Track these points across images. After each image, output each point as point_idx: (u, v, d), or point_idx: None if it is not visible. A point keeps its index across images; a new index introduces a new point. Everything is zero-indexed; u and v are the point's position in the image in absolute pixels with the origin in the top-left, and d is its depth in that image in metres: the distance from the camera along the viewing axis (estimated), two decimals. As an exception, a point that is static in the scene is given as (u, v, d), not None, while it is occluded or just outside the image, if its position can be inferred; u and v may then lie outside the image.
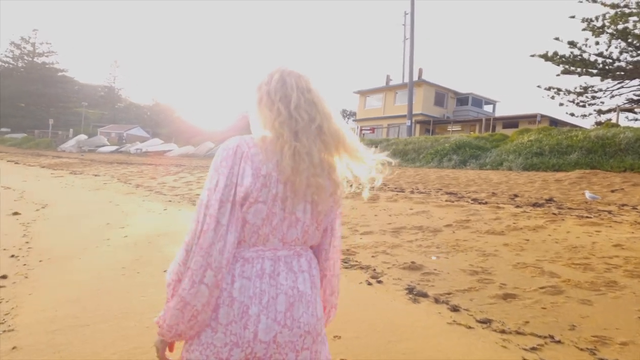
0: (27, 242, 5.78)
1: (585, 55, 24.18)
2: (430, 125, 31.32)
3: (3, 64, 66.79)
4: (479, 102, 34.24)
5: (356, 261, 4.65)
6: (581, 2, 23.56)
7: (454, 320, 3.03)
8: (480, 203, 7.97)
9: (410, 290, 3.65)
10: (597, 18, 22.27)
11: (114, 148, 43.27)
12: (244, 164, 1.06)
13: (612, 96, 25.53)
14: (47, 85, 65.67)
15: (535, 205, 7.62)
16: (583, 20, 22.65)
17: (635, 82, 24.23)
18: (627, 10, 22.41)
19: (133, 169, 20.84)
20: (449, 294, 3.57)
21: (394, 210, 7.81)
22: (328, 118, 1.15)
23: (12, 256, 5.02)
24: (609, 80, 25.40)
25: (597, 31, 22.90)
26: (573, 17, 22.67)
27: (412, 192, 9.97)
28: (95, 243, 5.83)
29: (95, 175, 18.19)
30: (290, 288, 1.11)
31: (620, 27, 22.04)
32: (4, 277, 4.21)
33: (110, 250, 5.50)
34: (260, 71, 1.20)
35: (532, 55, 25.93)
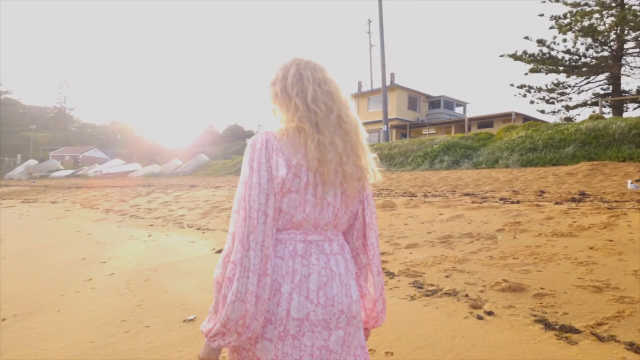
0: (-20, 293, 4.40)
1: (553, 53, 24.63)
2: (406, 129, 30.92)
3: (-61, 88, 61.44)
4: (450, 104, 34.33)
5: (432, 285, 3.64)
6: (544, 2, 24.10)
7: (661, 371, 2.08)
8: (512, 202, 7.19)
9: (545, 323, 2.68)
10: (564, 15, 22.68)
11: (69, 172, 40.30)
12: (276, 157, 1.07)
13: (580, 92, 26.07)
14: (-11, 110, 61.02)
15: (574, 200, 6.92)
16: (551, 18, 23.02)
17: (601, 77, 24.84)
18: (587, 9, 23.05)
19: (96, 193, 18.95)
20: (599, 324, 2.63)
21: (421, 217, 6.88)
22: (346, 106, 1.16)
23: (-38, 315, 3.68)
24: (574, 76, 26.00)
25: (564, 28, 23.34)
26: (542, 15, 23.05)
27: (425, 196, 9.11)
28: (74, 286, 4.53)
29: (53, 202, 16.27)
30: (323, 268, 1.10)
31: (585, 23, 22.53)
32: (-48, 352, 2.91)
33: (97, 295, 4.22)
34: (273, 65, 1.18)
35: (502, 55, 26.22)
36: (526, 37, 24.17)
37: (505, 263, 4.08)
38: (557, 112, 27.51)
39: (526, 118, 26.47)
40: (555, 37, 24.04)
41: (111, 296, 4.15)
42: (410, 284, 3.74)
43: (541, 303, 3.04)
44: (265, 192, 1.05)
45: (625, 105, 24.49)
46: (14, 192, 24.06)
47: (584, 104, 26.63)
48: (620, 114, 22.34)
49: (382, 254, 4.92)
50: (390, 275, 4.06)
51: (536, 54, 24.55)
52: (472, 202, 7.55)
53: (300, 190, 1.08)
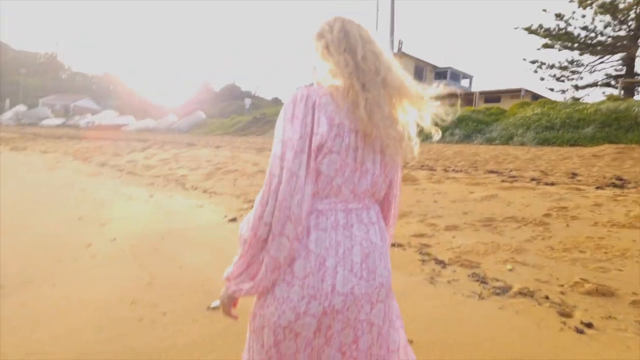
0: (-40, 254, 3.81)
1: (570, 29, 23.65)
2: (409, 99, 29.90)
3: None
4: (457, 76, 33.34)
5: (497, 280, 3.12)
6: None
7: None
8: (547, 184, 6.68)
9: (669, 345, 2.18)
10: (587, -11, 21.58)
11: (60, 121, 38.94)
12: (317, 114, 1.01)
13: (592, 71, 25.32)
14: (-24, 51, 58.24)
15: (615, 186, 6.42)
16: (574, -9, 21.89)
17: (616, 57, 24.03)
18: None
19: (89, 145, 18.13)
20: None
21: (450, 194, 6.35)
22: (389, 68, 1.08)
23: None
24: (587, 55, 25.16)
25: (585, 3, 22.28)
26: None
27: (446, 171, 8.57)
28: (72, 252, 3.94)
29: (44, 152, 15.47)
30: (364, 239, 1.08)
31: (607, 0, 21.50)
32: None
33: (99, 265, 3.65)
34: (316, 20, 1.14)
35: (516, 28, 25.68)
36: (544, 10, 23.19)
37: (573, 257, 3.57)
38: (566, 91, 26.87)
39: (535, 95, 25.74)
40: (574, 12, 23.10)
41: (115, 268, 3.58)
42: (469, 276, 3.22)
43: (647, 315, 2.54)
44: (296, 150, 0.98)
45: (636, 88, 23.84)
46: (1, 138, 23.05)
47: (594, 85, 25.96)
48: (632, 96, 21.73)
49: (421, 235, 4.40)
50: (441, 263, 3.54)
51: (552, 28, 23.60)
52: (502, 181, 7.03)
53: (341, 152, 1.02)
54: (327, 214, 1.05)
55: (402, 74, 1.11)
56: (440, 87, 1.13)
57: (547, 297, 2.80)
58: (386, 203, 1.23)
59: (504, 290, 2.93)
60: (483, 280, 3.12)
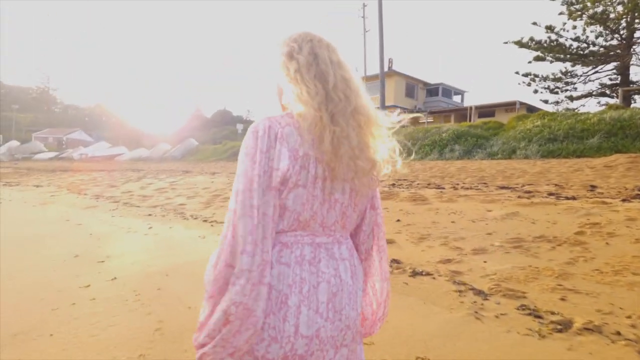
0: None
1: (561, 40, 23.85)
2: (404, 117, 29.89)
3: None
4: (448, 92, 33.46)
5: (553, 313, 2.75)
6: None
7: None
8: (568, 199, 6.36)
9: None
10: (577, 0, 21.85)
11: (53, 154, 38.60)
12: (279, 146, 0.94)
13: (586, 82, 25.42)
14: (-32, 88, 58.24)
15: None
16: (563, 3, 22.15)
17: (610, 66, 24.19)
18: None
19: (84, 177, 17.71)
20: None
21: (466, 213, 6.01)
22: (359, 94, 1.04)
23: None
24: (579, 66, 25.34)
25: (575, 15, 22.52)
26: (554, -1, 22.14)
27: (455, 189, 8.25)
28: (69, 296, 3.55)
29: (37, 186, 15.03)
30: (332, 277, 0.99)
31: (598, 10, 21.75)
32: None
33: (100, 310, 3.25)
34: (283, 38, 1.05)
35: (506, 42, 25.41)
36: (534, 23, 23.36)
37: (628, 281, 3.21)
38: (560, 102, 26.90)
39: (530, 108, 25.79)
40: (564, 24, 23.22)
41: (118, 313, 3.18)
42: (518, 309, 2.85)
43: None
44: (263, 186, 0.91)
45: (632, 96, 23.87)
46: (-7, 174, 22.59)
47: (589, 95, 26.04)
48: (629, 105, 21.74)
49: (448, 261, 4.04)
50: (481, 294, 3.16)
51: (543, 41, 23.75)
52: (519, 197, 6.71)
53: (307, 185, 0.94)
54: (292, 247, 0.97)
55: (369, 100, 1.07)
56: (400, 116, 1.08)
57: (618, 333, 2.43)
58: (362, 234, 1.14)
59: (566, 325, 2.56)
60: (536, 314, 2.75)
